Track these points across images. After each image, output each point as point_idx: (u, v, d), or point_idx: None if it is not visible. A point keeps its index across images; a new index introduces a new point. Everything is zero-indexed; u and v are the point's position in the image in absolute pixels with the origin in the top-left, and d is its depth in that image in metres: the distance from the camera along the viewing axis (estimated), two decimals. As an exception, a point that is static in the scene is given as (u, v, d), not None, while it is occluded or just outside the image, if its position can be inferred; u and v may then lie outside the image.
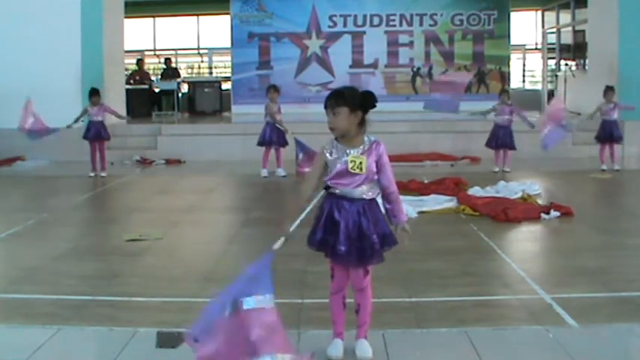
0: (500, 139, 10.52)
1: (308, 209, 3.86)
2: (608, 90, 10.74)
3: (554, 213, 7.14)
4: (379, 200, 3.60)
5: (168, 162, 12.12)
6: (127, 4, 14.58)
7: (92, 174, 10.53)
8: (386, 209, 3.59)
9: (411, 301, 4.55)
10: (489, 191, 8.41)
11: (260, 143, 10.34)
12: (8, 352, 3.76)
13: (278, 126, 10.24)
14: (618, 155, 10.77)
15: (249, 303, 2.93)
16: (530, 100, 17.78)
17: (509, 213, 7.01)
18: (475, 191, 8.31)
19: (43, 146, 10.90)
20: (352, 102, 3.43)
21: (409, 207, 7.42)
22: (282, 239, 3.31)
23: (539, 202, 7.77)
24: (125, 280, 5.15)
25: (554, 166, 10.69)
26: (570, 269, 5.38)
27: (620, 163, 10.73)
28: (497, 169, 10.45)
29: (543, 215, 7.12)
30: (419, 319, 4.22)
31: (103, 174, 10.58)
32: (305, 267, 5.19)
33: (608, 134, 10.64)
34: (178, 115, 16.12)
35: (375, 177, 3.50)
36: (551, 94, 17.60)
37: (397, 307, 4.45)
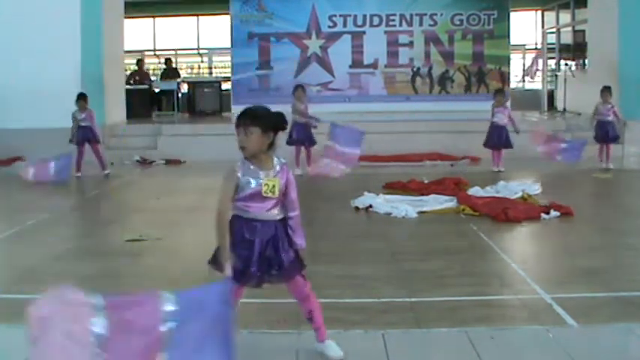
0: (497, 139, 10.71)
1: None
2: (605, 90, 10.76)
3: (554, 213, 7.14)
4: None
5: (168, 162, 12.12)
6: (127, 4, 14.58)
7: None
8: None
9: (411, 301, 4.55)
10: (489, 191, 8.41)
11: (289, 143, 10.34)
12: (8, 352, 3.76)
13: (307, 123, 10.40)
14: (612, 155, 10.80)
15: None
16: (530, 100, 17.79)
17: (509, 213, 7.00)
18: (475, 191, 8.31)
19: (43, 147, 10.87)
20: (265, 123, 3.39)
21: (409, 207, 7.43)
22: (229, 264, 3.43)
23: (539, 202, 7.77)
24: (125, 280, 5.15)
25: (554, 166, 10.68)
26: (570, 269, 5.39)
27: (619, 162, 10.73)
28: (495, 169, 10.55)
29: (543, 215, 7.12)
30: (419, 319, 4.21)
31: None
32: (305, 267, 5.18)
33: (604, 134, 10.73)
34: (178, 115, 16.10)
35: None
36: (551, 94, 17.61)
37: (397, 307, 4.45)
